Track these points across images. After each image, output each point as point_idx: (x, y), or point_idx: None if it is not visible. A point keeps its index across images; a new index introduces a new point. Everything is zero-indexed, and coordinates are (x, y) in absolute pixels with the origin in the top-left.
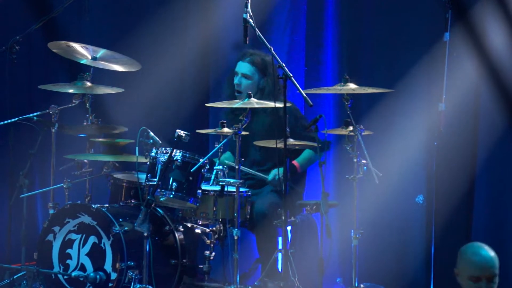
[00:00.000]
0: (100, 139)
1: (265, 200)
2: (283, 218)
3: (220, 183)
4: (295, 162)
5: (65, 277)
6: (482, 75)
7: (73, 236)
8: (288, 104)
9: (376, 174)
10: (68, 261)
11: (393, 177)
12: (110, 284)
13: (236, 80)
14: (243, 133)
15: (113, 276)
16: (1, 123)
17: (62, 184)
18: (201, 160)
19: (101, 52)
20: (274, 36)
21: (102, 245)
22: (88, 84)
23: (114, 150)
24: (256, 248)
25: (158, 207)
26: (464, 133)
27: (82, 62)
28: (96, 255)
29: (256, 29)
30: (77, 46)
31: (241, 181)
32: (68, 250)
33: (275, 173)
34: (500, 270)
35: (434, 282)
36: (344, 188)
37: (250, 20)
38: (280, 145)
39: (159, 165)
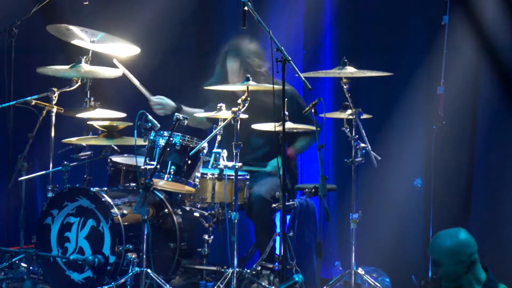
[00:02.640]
0: (99, 123)
1: (263, 187)
2: (281, 201)
3: (219, 166)
4: (289, 149)
5: (64, 260)
6: (481, 58)
7: (72, 219)
8: (287, 87)
9: (375, 157)
10: (67, 244)
11: (392, 161)
12: (109, 267)
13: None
14: (242, 116)
15: (112, 259)
16: (0, 106)
17: (61, 168)
18: (200, 144)
19: (99, 35)
20: (273, 19)
21: (100, 228)
22: (86, 67)
23: (113, 134)
24: (254, 234)
25: (156, 191)
26: (463, 116)
27: (80, 45)
28: (95, 238)
29: (255, 12)
30: (76, 29)
31: (239, 164)
32: (67, 234)
33: (274, 165)
34: (498, 253)
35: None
36: (343, 171)
37: (249, 3)
38: (279, 128)
39: (158, 149)
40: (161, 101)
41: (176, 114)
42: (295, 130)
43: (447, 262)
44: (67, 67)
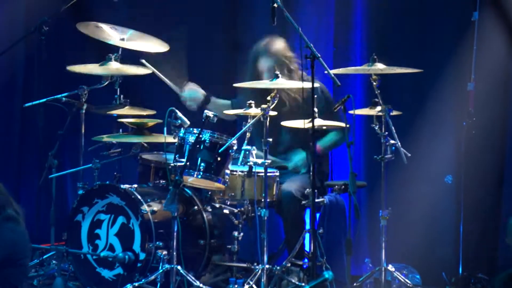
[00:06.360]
0: (129, 120)
1: (293, 183)
2: (311, 198)
3: (248, 163)
4: (317, 146)
5: (94, 257)
6: (511, 53)
7: (102, 216)
8: (316, 85)
9: (405, 154)
10: (97, 242)
11: (422, 157)
12: (139, 265)
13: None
14: (271, 113)
15: (142, 256)
16: (31, 103)
17: (91, 165)
18: (229, 141)
19: (129, 32)
20: (303, 16)
21: (130, 225)
22: (116, 65)
23: (143, 131)
24: (283, 231)
25: (186, 188)
26: (493, 113)
27: (110, 43)
28: (125, 235)
29: (284, 9)
30: (106, 27)
31: (269, 161)
32: (97, 231)
33: (295, 162)
34: None
35: (463, 263)
36: (372, 168)
37: (278, 0)
38: (308, 125)
39: (187, 146)
40: (191, 96)
41: (205, 111)
42: (324, 127)
43: None
44: (96, 65)
